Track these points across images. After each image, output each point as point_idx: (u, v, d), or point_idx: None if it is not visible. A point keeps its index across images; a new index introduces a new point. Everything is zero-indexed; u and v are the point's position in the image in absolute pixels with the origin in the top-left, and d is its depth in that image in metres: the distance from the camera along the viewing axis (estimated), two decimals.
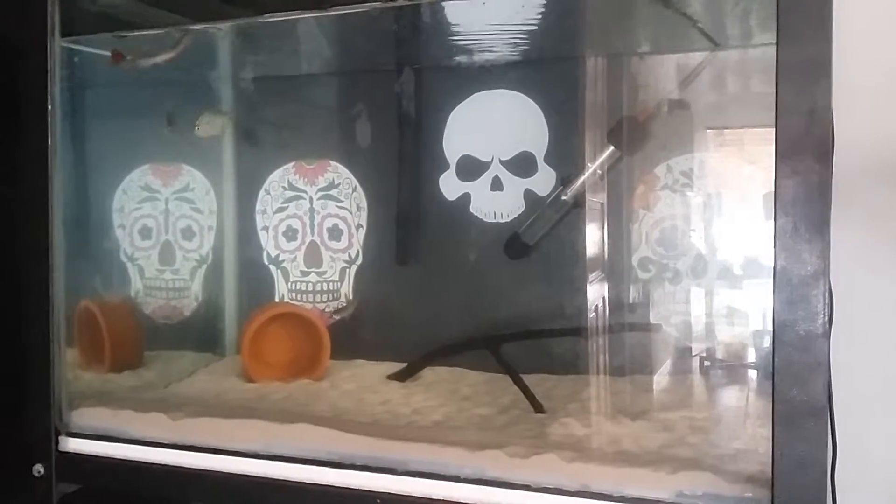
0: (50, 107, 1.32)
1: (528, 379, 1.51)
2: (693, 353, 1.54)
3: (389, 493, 1.15)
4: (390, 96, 1.79)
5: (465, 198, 1.74)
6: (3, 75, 1.42)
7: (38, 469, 1.34)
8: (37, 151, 1.33)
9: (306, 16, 1.39)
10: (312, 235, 1.89)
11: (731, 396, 1.49)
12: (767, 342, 0.96)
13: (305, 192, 1.89)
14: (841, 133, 1.19)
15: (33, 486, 1.35)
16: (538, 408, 1.44)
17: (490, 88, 1.71)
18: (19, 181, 1.36)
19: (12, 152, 1.39)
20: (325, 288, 1.88)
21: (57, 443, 1.36)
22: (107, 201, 1.97)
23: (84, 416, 1.39)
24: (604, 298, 1.59)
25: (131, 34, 1.50)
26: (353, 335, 1.83)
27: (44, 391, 1.35)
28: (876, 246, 1.38)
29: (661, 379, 1.53)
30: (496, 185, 1.71)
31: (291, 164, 1.90)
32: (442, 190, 1.75)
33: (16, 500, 1.44)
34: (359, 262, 1.86)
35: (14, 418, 1.40)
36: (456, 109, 1.74)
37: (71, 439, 1.36)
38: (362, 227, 1.85)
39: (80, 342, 1.74)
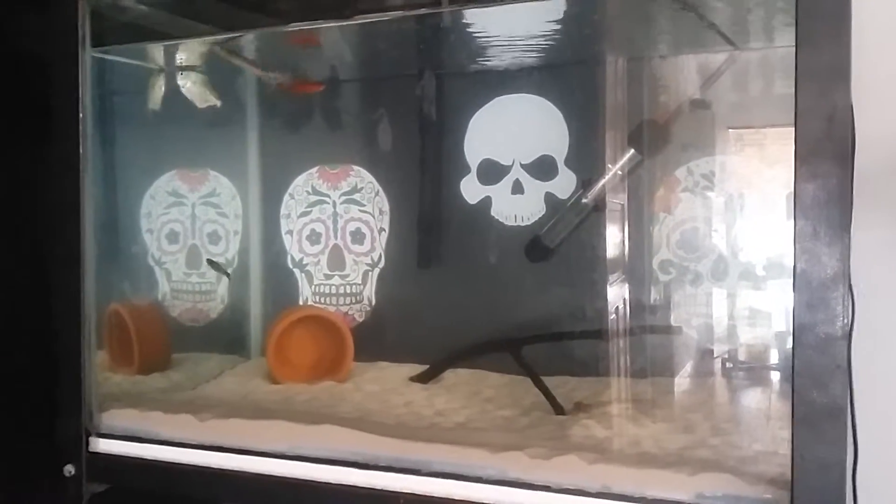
0: (81, 115, 1.35)
1: (549, 381, 1.52)
2: (714, 355, 1.54)
3: (413, 494, 1.16)
4: (412, 101, 1.80)
5: (486, 201, 1.75)
6: (36, 85, 1.45)
7: (69, 469, 1.37)
8: (68, 158, 1.36)
9: (330, 25, 1.42)
10: (336, 239, 1.91)
11: (751, 398, 1.49)
12: (788, 344, 0.96)
13: (329, 196, 1.91)
14: (864, 132, 1.19)
15: (64, 486, 1.37)
16: (559, 409, 1.45)
17: (511, 92, 1.72)
18: (51, 187, 1.39)
19: (45, 159, 1.42)
20: (348, 291, 1.90)
21: (87, 443, 1.38)
22: (135, 206, 2.00)
23: (113, 418, 1.42)
24: (624, 301, 1.60)
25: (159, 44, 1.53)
26: (376, 337, 1.85)
27: (74, 393, 1.37)
28: None
29: (681, 381, 1.54)
30: (517, 188, 1.72)
31: (315, 168, 1.92)
32: (463, 193, 1.77)
33: (47, 500, 1.47)
34: (381, 265, 1.88)
35: (45, 419, 1.43)
36: (477, 114, 1.75)
37: (101, 440, 1.39)
38: (384, 230, 1.87)
39: (110, 345, 1.78)
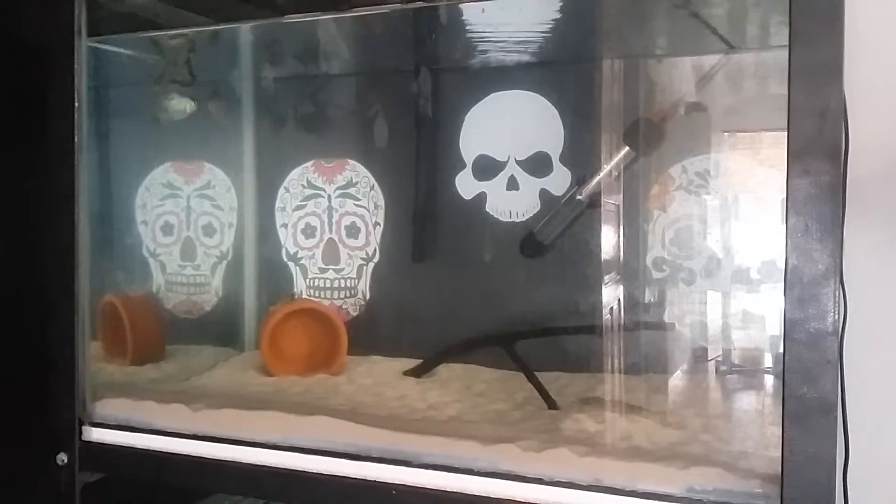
0: (76, 105, 1.35)
1: (542, 376, 1.53)
2: (706, 353, 1.55)
3: (405, 485, 1.17)
4: (408, 96, 1.80)
5: (481, 197, 1.75)
6: (31, 74, 1.45)
7: (62, 458, 1.37)
8: (63, 149, 1.36)
9: (326, 17, 1.42)
10: (330, 233, 1.91)
11: (743, 395, 1.50)
12: (780, 342, 0.97)
13: (324, 190, 1.91)
14: (858, 134, 1.20)
15: (57, 475, 1.37)
16: (552, 404, 1.46)
17: (506, 89, 1.73)
18: (46, 178, 1.39)
19: (39, 150, 1.42)
20: (342, 285, 1.90)
21: (80, 432, 1.38)
22: (130, 198, 2.00)
23: (107, 407, 1.41)
24: (618, 298, 1.61)
25: (155, 34, 1.53)
26: (370, 331, 1.85)
27: (68, 382, 1.37)
28: (893, 245, 1.38)
29: (674, 377, 1.54)
30: (512, 184, 1.73)
31: (311, 162, 1.92)
32: (458, 189, 1.77)
33: (39, 489, 1.47)
34: (376, 259, 1.88)
35: (39, 408, 1.43)
36: (472, 110, 1.75)
37: (94, 429, 1.39)
38: (379, 224, 1.87)
39: (104, 336, 1.78)
